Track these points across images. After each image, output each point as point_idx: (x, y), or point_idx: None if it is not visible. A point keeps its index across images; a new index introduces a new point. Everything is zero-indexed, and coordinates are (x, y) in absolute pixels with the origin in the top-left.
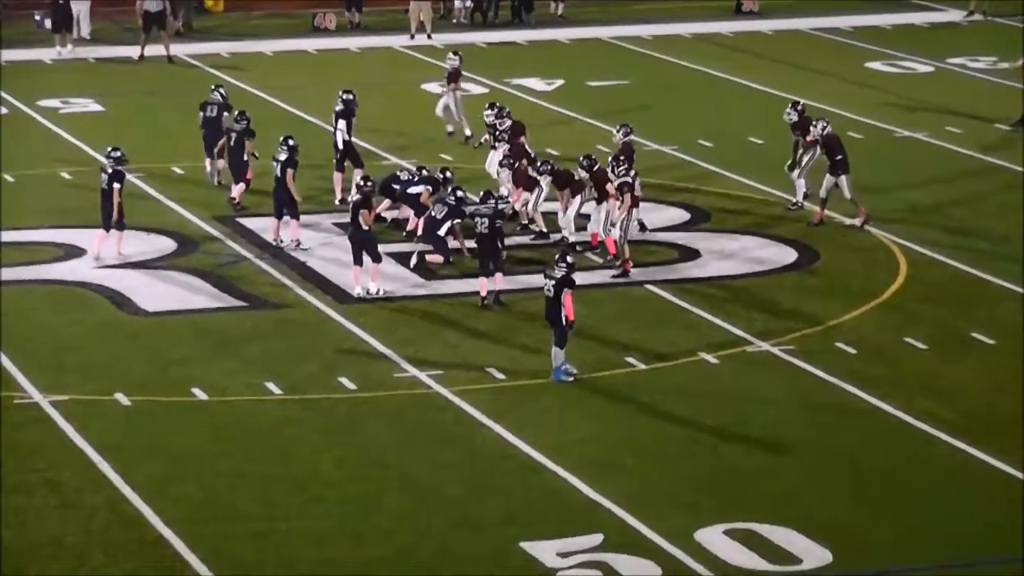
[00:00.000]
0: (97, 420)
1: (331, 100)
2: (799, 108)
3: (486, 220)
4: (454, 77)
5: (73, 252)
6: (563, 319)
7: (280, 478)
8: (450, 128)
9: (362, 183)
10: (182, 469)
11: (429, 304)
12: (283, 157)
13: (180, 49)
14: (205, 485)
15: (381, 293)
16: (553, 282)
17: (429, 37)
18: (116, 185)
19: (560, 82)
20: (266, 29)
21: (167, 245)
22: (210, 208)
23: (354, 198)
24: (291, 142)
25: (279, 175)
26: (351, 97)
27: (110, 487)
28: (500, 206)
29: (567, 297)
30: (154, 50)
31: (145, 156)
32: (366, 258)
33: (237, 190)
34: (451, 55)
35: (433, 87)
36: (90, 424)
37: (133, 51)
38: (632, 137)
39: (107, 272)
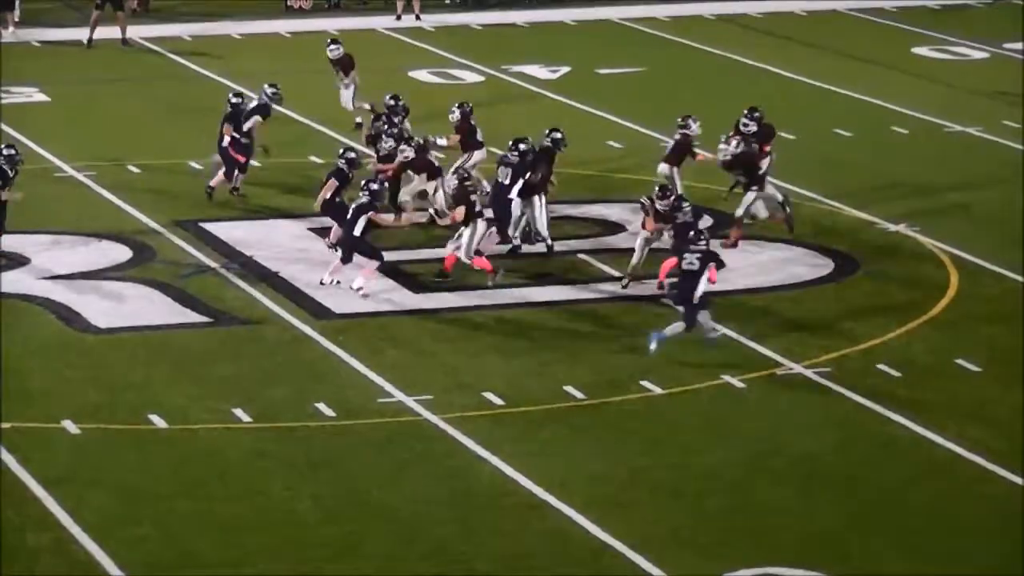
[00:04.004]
0: (42, 451)
1: (306, 89)
2: (757, 115)
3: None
4: (345, 65)
5: (15, 261)
6: (695, 298)
7: (248, 518)
8: (359, 119)
9: (373, 185)
10: (138, 507)
11: (418, 321)
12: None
13: (136, 31)
14: (163, 525)
15: (362, 293)
16: (698, 255)
17: (418, 18)
18: None
19: (566, 69)
20: (233, 9)
21: (121, 253)
22: (170, 211)
23: (360, 201)
24: (350, 155)
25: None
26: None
27: (56, 526)
28: None
29: (713, 271)
30: (105, 32)
31: (96, 152)
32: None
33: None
34: (332, 45)
35: (423, 74)
36: (34, 455)
37: (84, 33)
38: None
39: (54, 284)
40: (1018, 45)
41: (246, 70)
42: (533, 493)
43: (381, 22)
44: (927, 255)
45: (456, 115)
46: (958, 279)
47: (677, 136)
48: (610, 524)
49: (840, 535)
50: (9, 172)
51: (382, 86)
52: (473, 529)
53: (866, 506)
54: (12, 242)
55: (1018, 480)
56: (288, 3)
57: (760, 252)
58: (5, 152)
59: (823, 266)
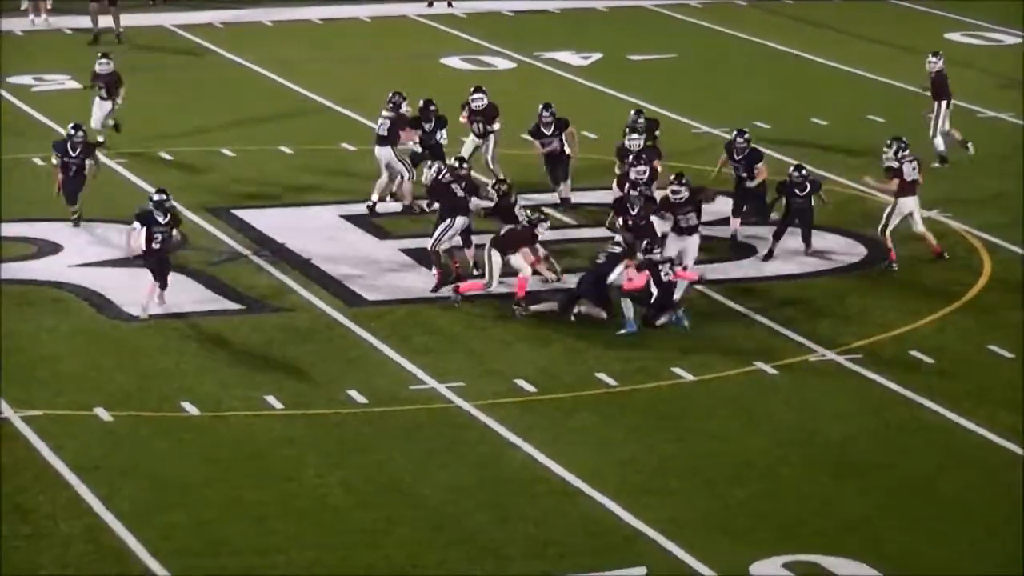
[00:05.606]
0: (74, 438)
1: (338, 76)
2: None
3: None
4: (112, 83)
5: (47, 248)
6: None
7: (279, 505)
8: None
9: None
10: (169, 494)
11: (450, 308)
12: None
13: (168, 18)
14: (195, 512)
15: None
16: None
17: (450, 5)
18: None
19: (597, 56)
20: None
21: None
22: (201, 198)
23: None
24: (503, 187)
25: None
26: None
27: (88, 513)
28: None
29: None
30: (133, 20)
31: (128, 140)
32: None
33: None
34: (103, 60)
35: (455, 61)
36: (66, 442)
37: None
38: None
39: (85, 271)
40: None
41: (277, 57)
42: (564, 480)
43: (413, 9)
44: (960, 241)
45: (484, 100)
46: (990, 265)
47: (933, 74)
48: (641, 511)
49: (871, 523)
50: (161, 219)
51: (414, 73)
52: (504, 516)
53: (897, 494)
54: (44, 229)
55: None
56: None
57: (794, 237)
58: (156, 197)
59: (855, 252)
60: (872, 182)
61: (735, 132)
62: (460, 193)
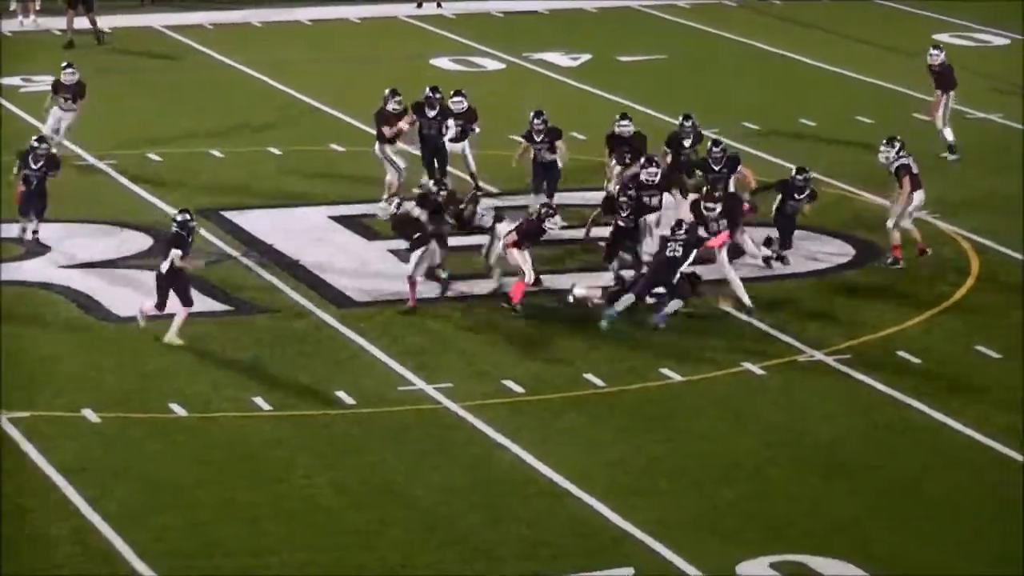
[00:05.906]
0: (63, 439)
1: (328, 77)
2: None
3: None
4: (77, 93)
5: (35, 250)
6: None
7: (270, 506)
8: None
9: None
10: (159, 495)
11: (439, 309)
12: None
13: (157, 19)
14: (185, 514)
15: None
16: (680, 243)
17: (439, 5)
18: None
19: (587, 57)
20: None
21: (141, 242)
22: (190, 200)
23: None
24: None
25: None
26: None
27: (77, 515)
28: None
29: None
30: (121, 20)
31: (116, 141)
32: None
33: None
34: (69, 69)
35: (444, 62)
36: (55, 444)
37: (107, 21)
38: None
39: (74, 272)
40: None
41: (267, 58)
42: (553, 481)
43: (402, 9)
44: (947, 241)
45: (464, 103)
46: (978, 266)
47: (936, 66)
48: (629, 512)
49: (859, 524)
50: (188, 238)
51: (403, 74)
52: (495, 517)
53: (885, 495)
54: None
55: None
56: None
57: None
58: (179, 217)
59: (844, 253)
60: (895, 199)
61: (710, 144)
62: (426, 222)
